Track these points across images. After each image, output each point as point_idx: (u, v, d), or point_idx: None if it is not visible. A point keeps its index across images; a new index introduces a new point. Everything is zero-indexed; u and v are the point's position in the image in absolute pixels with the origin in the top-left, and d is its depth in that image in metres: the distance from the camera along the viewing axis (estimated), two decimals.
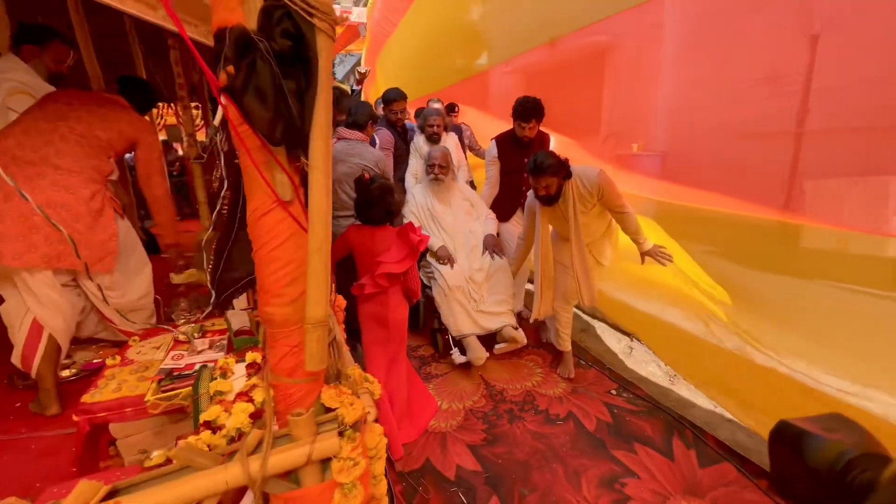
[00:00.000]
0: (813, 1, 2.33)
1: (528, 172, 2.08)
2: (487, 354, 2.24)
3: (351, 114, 2.52)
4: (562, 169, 2.02)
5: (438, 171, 2.40)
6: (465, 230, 2.50)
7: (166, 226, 2.01)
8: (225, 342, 1.48)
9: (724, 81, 2.69)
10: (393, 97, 2.84)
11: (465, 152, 3.06)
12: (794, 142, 2.69)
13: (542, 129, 2.64)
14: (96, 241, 1.66)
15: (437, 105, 3.41)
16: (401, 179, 2.84)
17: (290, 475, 0.52)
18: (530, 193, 2.28)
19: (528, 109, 2.47)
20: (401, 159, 2.87)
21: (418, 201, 2.49)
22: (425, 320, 2.77)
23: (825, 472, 0.48)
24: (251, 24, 0.42)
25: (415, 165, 2.83)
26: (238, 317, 1.57)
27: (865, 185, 2.08)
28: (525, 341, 2.33)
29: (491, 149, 2.71)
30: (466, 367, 2.30)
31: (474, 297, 2.32)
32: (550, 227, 2.31)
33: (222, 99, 0.42)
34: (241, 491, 0.57)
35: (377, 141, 2.68)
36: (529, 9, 3.44)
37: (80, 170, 1.60)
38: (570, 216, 2.14)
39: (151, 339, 1.63)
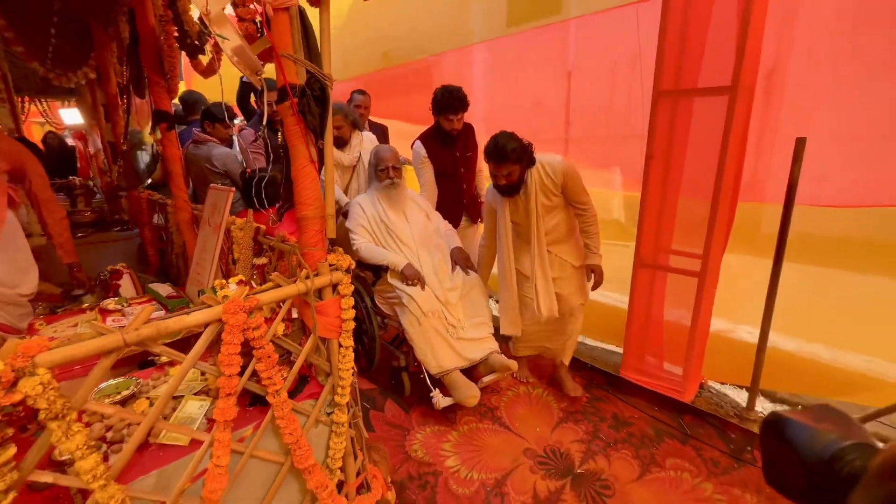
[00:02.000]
0: (566, 46, 3.60)
1: (487, 158, 1.88)
2: (479, 392, 1.94)
3: (207, 116, 2.73)
4: (525, 154, 1.85)
5: (394, 174, 2.09)
6: (429, 244, 2.15)
7: (69, 245, 2.17)
8: (156, 306, 1.78)
9: (514, 101, 3.85)
10: (269, 87, 2.88)
11: None
12: (563, 145, 4.01)
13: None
14: None
15: (360, 96, 2.96)
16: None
17: (316, 294, 1.11)
18: (489, 190, 2.08)
19: (454, 100, 2.25)
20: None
21: (368, 213, 2.10)
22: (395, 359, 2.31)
23: (814, 463, 0.46)
24: (301, 81, 1.02)
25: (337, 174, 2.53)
26: (162, 288, 1.88)
27: (607, 171, 3.41)
28: (516, 367, 2.04)
29: (417, 150, 2.46)
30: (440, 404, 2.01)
31: (452, 323, 1.99)
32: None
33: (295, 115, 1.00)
34: (289, 314, 1.12)
35: (246, 142, 2.66)
36: (369, 40, 4.11)
37: None
38: (532, 210, 1.94)
39: (59, 322, 1.78)
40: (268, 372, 0.99)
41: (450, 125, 2.32)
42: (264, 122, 1.05)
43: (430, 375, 1.99)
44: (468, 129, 2.52)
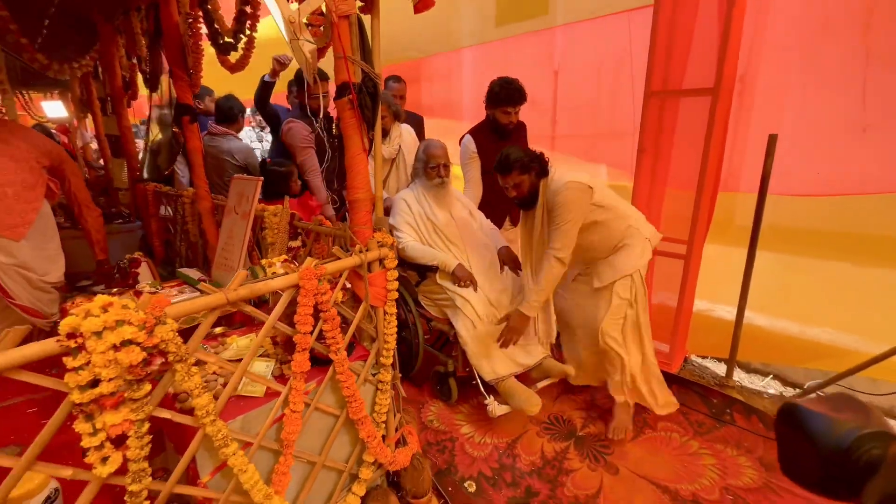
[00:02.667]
0: (553, 46, 3.80)
1: (494, 170, 1.80)
2: (541, 400, 1.87)
3: (220, 110, 2.81)
4: (533, 164, 1.74)
5: (444, 172, 2.02)
6: (477, 243, 2.08)
7: (105, 243, 2.39)
8: (187, 289, 1.89)
9: None
10: (299, 83, 2.49)
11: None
12: (550, 142, 4.22)
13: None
14: (17, 209, 1.84)
15: (395, 84, 2.72)
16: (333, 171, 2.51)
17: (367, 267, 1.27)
18: None
19: (513, 91, 2.14)
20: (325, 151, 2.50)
21: (415, 210, 2.03)
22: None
23: (832, 452, 0.45)
24: (356, 79, 1.18)
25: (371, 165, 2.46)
26: (192, 272, 1.99)
27: (593, 165, 3.59)
28: (573, 372, 2.01)
29: (466, 144, 2.34)
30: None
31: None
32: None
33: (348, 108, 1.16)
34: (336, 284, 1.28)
35: (295, 139, 2.47)
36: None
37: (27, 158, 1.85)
38: (536, 224, 1.84)
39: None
40: (332, 332, 1.15)
41: (507, 118, 2.19)
42: (321, 116, 1.20)
43: (483, 382, 1.91)
44: (520, 125, 2.37)
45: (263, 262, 1.58)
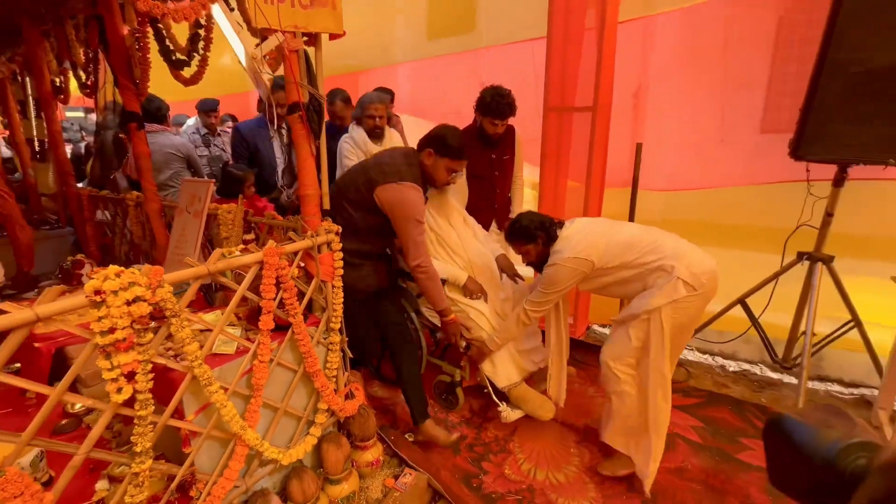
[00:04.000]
0: (479, 62, 4.26)
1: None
2: (553, 405, 2.00)
3: (148, 112, 2.98)
4: (539, 233, 1.74)
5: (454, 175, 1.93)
6: (477, 252, 2.07)
7: (32, 256, 2.64)
8: None
9: (437, 108, 4.45)
10: (279, 84, 2.70)
11: None
12: None
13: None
14: None
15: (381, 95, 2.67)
16: None
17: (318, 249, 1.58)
18: None
19: (503, 106, 2.19)
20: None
21: None
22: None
23: (819, 462, 0.46)
24: (304, 99, 1.50)
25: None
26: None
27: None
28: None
29: None
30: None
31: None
32: None
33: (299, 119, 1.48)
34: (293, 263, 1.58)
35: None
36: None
37: None
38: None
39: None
40: (290, 299, 1.45)
41: (494, 129, 2.28)
42: (277, 125, 1.49)
43: (494, 389, 2.01)
44: (509, 130, 2.44)
45: (224, 251, 1.82)
